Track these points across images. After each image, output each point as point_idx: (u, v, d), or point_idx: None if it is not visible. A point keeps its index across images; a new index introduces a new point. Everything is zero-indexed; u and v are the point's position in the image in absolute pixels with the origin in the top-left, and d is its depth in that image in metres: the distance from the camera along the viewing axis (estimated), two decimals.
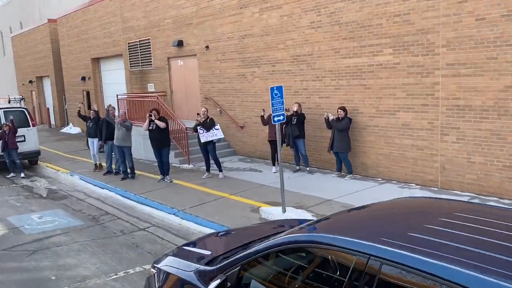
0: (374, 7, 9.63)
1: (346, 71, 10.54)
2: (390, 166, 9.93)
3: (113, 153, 12.60)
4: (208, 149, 11.19)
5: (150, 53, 17.13)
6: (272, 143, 11.05)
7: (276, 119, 7.97)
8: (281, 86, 8.01)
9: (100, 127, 12.63)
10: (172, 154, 12.36)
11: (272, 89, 7.85)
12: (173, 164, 12.58)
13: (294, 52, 11.75)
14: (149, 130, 11.33)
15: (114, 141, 11.89)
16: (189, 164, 13.12)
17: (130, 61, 18.44)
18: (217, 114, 13.88)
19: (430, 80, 8.94)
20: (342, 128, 9.93)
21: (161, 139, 11.09)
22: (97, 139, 12.98)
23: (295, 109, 10.75)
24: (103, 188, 11.34)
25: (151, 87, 17.67)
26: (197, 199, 9.57)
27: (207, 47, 14.53)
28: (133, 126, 12.07)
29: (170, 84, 16.85)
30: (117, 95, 16.27)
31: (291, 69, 11.92)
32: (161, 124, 10.93)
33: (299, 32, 11.49)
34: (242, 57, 13.41)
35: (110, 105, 13.27)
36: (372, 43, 9.84)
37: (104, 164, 13.09)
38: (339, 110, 10.04)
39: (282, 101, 8.02)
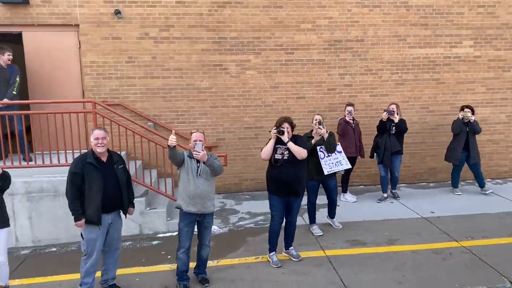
0: None
1: (414, 63, 8.99)
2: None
3: None
4: (329, 186, 6.53)
5: None
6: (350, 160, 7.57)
7: None
8: None
9: None
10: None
11: None
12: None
13: (330, 36, 8.69)
14: (273, 161, 5.41)
15: None
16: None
17: None
18: (138, 130, 7.91)
19: (511, 75, 9.25)
20: (477, 130, 8.01)
21: (299, 178, 5.50)
22: None
23: (396, 115, 7.65)
24: None
25: None
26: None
27: (117, 12, 8.05)
28: None
29: None
30: None
31: (325, 59, 8.74)
32: (299, 151, 5.44)
33: (341, 9, 8.64)
34: (217, 37, 8.42)
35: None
36: (451, 33, 8.97)
37: None
38: (466, 109, 7.96)
39: None
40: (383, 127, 7.60)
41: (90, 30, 8.05)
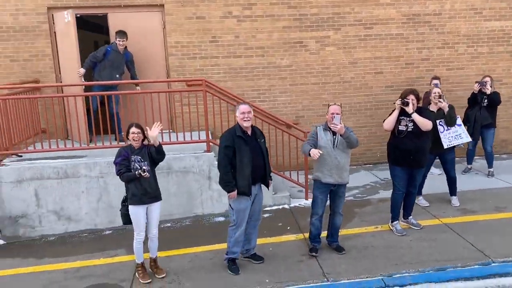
0: None
1: (489, 36, 9.03)
2: None
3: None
4: (447, 160, 6.60)
5: None
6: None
7: None
8: None
9: None
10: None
11: None
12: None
13: (409, 10, 8.73)
14: (397, 132, 5.53)
15: None
16: (306, 199, 7.17)
17: None
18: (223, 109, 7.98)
19: None
20: None
21: (423, 149, 5.62)
22: None
23: (489, 86, 7.54)
24: None
25: None
26: None
27: None
28: None
29: (58, 63, 8.06)
30: None
31: (403, 33, 8.79)
32: (424, 122, 5.53)
33: None
34: (298, 14, 8.47)
35: None
36: None
37: None
38: None
39: None
40: (474, 99, 7.68)
41: (174, 10, 8.11)
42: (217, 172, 6.65)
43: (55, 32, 7.90)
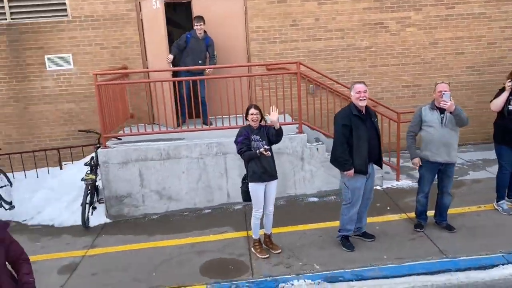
0: None
1: None
2: None
3: None
4: None
5: None
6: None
7: None
8: None
9: None
10: None
11: None
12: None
13: None
14: (506, 112, 5.50)
15: None
16: (397, 180, 7.22)
17: None
18: (341, 90, 7.96)
19: None
20: None
21: None
22: None
23: None
24: None
25: (62, 62, 8.05)
26: None
27: None
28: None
29: (144, 49, 8.31)
30: None
31: (485, 12, 8.58)
32: None
33: None
34: None
35: None
36: None
37: None
38: None
39: None
40: None
41: None
42: (310, 153, 6.88)
43: (141, 20, 8.15)
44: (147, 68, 8.23)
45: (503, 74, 7.88)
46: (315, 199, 6.80)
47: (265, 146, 4.81)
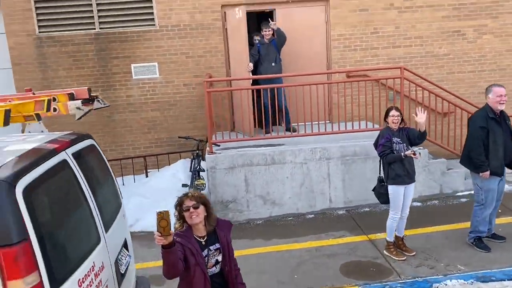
0: None
1: None
2: None
3: None
4: None
5: None
6: None
7: None
8: None
9: None
10: None
11: None
12: None
13: None
14: None
15: None
16: None
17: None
18: (443, 95, 8.03)
19: None
20: None
21: None
22: None
23: None
24: None
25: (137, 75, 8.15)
26: None
27: None
28: None
29: (227, 58, 8.43)
30: None
31: None
32: None
33: None
34: (456, 4, 8.55)
35: None
36: None
37: None
38: None
39: None
40: None
41: (339, 4, 8.35)
42: None
43: (226, 29, 8.27)
44: (230, 76, 8.32)
45: None
46: (418, 204, 6.85)
47: (415, 149, 4.87)
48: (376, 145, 5.13)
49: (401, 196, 5.07)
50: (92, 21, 8.10)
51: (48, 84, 8.18)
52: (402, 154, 4.91)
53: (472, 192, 6.93)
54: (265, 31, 7.69)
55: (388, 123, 5.09)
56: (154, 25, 8.20)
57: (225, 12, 8.23)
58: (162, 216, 2.71)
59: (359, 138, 7.01)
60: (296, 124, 7.63)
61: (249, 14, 7.99)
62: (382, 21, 8.48)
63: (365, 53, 8.57)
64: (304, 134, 7.14)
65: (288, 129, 7.68)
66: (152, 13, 8.15)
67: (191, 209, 2.94)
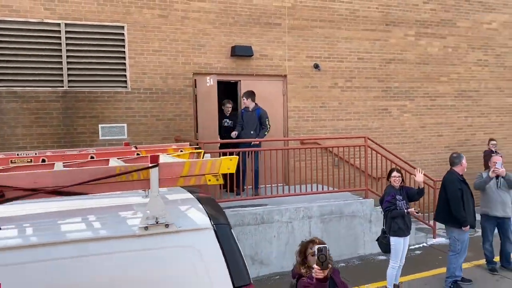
0: None
1: (510, 109, 11.78)
2: None
3: None
4: None
5: (124, 52, 8.22)
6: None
7: None
8: None
9: None
10: None
11: None
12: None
13: (459, 87, 11.14)
14: None
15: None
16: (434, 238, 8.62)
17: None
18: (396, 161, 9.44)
19: None
20: None
21: None
22: None
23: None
24: None
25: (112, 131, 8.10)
26: None
27: (316, 66, 9.65)
28: None
29: (196, 122, 8.83)
30: None
31: (455, 104, 11.13)
32: None
33: (465, 67, 11.19)
34: (384, 87, 10.37)
35: None
36: None
37: None
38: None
39: None
40: None
41: (295, 80, 9.45)
42: (376, 216, 7.95)
43: (195, 95, 8.69)
44: (197, 139, 8.61)
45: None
46: (383, 257, 7.74)
47: (413, 209, 5.81)
48: (381, 201, 5.95)
49: (402, 246, 5.89)
50: (61, 78, 7.81)
51: (3, 142, 7.49)
52: (405, 210, 5.79)
53: (421, 245, 8.24)
54: (243, 99, 8.33)
55: (390, 182, 5.98)
56: (126, 87, 8.22)
57: (195, 80, 8.66)
58: (321, 251, 3.02)
59: (320, 199, 7.80)
60: (264, 186, 8.18)
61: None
62: (328, 97, 9.77)
63: (315, 124, 9.68)
64: (270, 196, 7.66)
65: (255, 192, 8.14)
66: (125, 75, 8.20)
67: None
